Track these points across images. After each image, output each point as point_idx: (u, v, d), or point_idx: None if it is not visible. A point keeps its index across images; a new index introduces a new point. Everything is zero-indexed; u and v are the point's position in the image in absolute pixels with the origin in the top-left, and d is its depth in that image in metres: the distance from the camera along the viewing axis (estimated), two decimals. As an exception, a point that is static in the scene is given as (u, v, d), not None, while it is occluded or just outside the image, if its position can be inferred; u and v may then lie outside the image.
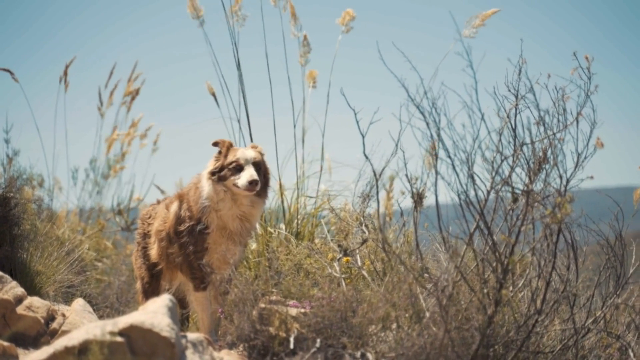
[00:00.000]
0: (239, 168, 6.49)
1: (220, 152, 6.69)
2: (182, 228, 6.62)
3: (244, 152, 6.56)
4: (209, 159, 6.65)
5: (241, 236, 6.65)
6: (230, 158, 6.55)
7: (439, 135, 5.12)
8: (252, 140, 8.65)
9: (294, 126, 8.92)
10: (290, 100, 8.93)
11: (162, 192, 13.17)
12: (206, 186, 6.61)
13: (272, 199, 8.76)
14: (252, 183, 6.38)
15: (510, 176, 5.09)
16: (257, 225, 8.17)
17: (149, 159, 14.63)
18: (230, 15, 8.84)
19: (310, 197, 8.66)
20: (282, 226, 8.43)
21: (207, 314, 6.67)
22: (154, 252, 6.97)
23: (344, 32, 9.18)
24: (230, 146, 6.69)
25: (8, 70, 10.38)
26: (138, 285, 7.26)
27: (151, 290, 7.04)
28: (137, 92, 13.34)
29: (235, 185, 6.47)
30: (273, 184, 8.65)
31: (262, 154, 6.74)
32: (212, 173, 6.60)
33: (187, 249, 6.60)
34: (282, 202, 8.54)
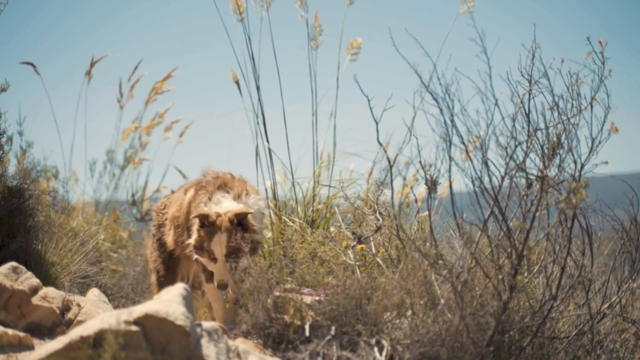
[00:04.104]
0: (214, 259, 6.23)
1: (200, 226, 6.31)
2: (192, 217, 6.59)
3: (218, 242, 6.17)
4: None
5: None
6: (204, 244, 6.24)
7: (452, 121, 5.11)
8: (266, 133, 8.66)
9: (313, 114, 8.88)
10: (311, 89, 8.89)
11: (184, 176, 13.14)
12: (190, 250, 6.42)
13: (287, 189, 8.77)
14: (220, 286, 6.19)
15: (524, 162, 5.07)
16: (272, 214, 8.18)
17: (172, 151, 14.54)
18: (255, 5, 8.78)
19: (325, 185, 8.64)
20: (299, 208, 8.41)
21: (220, 304, 6.65)
22: (169, 238, 6.89)
23: (350, 4, 9.06)
24: (210, 223, 6.23)
25: (31, 64, 10.48)
26: (153, 278, 7.23)
27: (166, 283, 6.97)
28: (160, 89, 13.26)
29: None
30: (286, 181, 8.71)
31: (235, 218, 6.20)
32: (195, 248, 6.33)
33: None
34: (295, 192, 8.54)
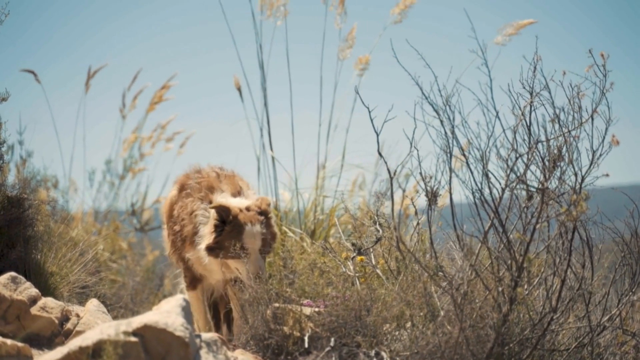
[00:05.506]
0: (246, 255, 5.96)
1: (221, 222, 6.08)
2: (175, 213, 6.43)
3: (252, 235, 6.02)
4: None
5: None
6: (226, 243, 6.00)
7: (453, 133, 5.11)
8: (271, 141, 8.65)
9: (319, 125, 8.87)
10: (320, 99, 8.85)
11: None
12: (203, 254, 6.13)
13: (289, 200, 8.77)
14: (257, 278, 5.80)
15: (525, 174, 5.07)
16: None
17: (172, 161, 14.46)
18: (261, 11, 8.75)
19: (327, 196, 8.64)
20: (300, 217, 8.40)
21: (202, 315, 6.46)
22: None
23: (396, 22, 8.97)
24: (234, 216, 6.04)
25: (32, 72, 10.50)
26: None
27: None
28: (160, 98, 13.17)
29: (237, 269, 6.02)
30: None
31: (267, 213, 6.14)
32: (211, 249, 6.05)
33: (176, 237, 6.38)
34: (298, 203, 8.53)
